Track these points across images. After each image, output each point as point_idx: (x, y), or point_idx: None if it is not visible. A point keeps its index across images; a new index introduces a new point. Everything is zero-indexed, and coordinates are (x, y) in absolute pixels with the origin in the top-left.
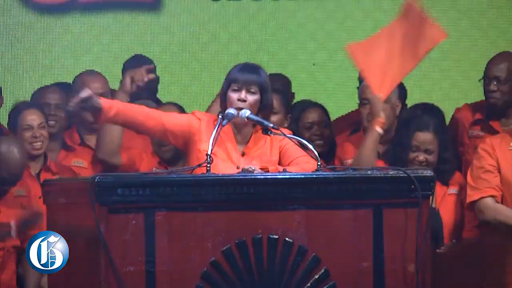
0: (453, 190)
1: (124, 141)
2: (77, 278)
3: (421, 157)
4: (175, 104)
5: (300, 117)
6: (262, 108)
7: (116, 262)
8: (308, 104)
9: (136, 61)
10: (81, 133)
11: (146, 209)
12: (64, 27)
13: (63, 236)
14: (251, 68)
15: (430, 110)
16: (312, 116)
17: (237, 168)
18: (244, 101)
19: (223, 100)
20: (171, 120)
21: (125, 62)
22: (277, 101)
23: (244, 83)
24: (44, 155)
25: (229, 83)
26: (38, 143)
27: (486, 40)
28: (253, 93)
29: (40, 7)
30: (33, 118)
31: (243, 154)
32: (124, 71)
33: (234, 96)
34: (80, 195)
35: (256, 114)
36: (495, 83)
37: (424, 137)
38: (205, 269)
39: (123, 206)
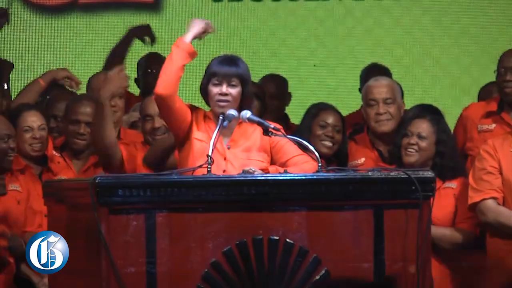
0: (449, 184)
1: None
2: (78, 279)
3: (413, 140)
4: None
5: (319, 114)
6: (244, 100)
7: (117, 263)
8: (329, 106)
9: (148, 61)
10: None
11: (147, 210)
12: (64, 27)
13: (64, 237)
14: (230, 61)
15: (429, 109)
16: (329, 117)
17: (225, 159)
18: (226, 94)
19: (204, 94)
20: (185, 108)
21: (138, 61)
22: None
23: (225, 76)
24: (44, 157)
25: (209, 77)
26: (38, 145)
27: (487, 37)
28: (234, 86)
29: (40, 8)
30: (33, 119)
31: (229, 147)
32: (139, 69)
33: (215, 90)
34: (81, 196)
35: (239, 107)
36: (510, 73)
37: (419, 123)
38: (206, 270)
39: (124, 207)
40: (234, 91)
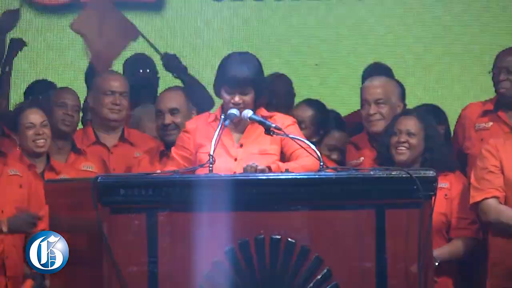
0: (441, 184)
1: (137, 141)
2: (80, 279)
3: (403, 138)
4: (180, 88)
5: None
6: (257, 99)
7: (119, 263)
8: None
9: (135, 61)
10: (96, 131)
11: (149, 209)
12: (67, 26)
13: (65, 236)
14: (242, 65)
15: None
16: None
17: (235, 160)
18: (239, 103)
19: (217, 95)
20: (182, 156)
21: (124, 62)
22: (307, 112)
23: (238, 86)
24: (47, 155)
25: (221, 83)
26: (41, 141)
27: (488, 35)
28: (247, 93)
29: (43, 7)
30: (35, 116)
31: (241, 146)
32: (125, 70)
33: (228, 98)
34: (82, 195)
35: (253, 106)
36: (505, 73)
37: (406, 120)
38: (208, 269)
39: (125, 206)
40: (248, 97)
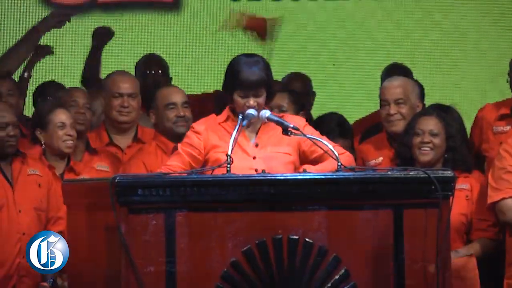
0: (462, 185)
1: (151, 140)
2: (98, 279)
3: (427, 138)
4: (176, 87)
5: None
6: (268, 100)
7: (137, 263)
8: None
9: (147, 62)
10: (109, 132)
11: (167, 209)
12: (84, 27)
13: (83, 237)
14: (254, 67)
15: (445, 110)
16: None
17: (254, 158)
18: (254, 106)
19: (229, 98)
20: (189, 153)
21: (137, 62)
22: (284, 99)
23: (251, 89)
24: (68, 156)
25: (234, 86)
26: (70, 142)
27: (507, 40)
28: (260, 95)
29: (60, 7)
30: (65, 117)
31: (256, 145)
32: (136, 71)
33: (242, 101)
34: (100, 195)
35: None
36: None
37: (428, 120)
38: (225, 269)
39: (143, 206)
40: (261, 99)
